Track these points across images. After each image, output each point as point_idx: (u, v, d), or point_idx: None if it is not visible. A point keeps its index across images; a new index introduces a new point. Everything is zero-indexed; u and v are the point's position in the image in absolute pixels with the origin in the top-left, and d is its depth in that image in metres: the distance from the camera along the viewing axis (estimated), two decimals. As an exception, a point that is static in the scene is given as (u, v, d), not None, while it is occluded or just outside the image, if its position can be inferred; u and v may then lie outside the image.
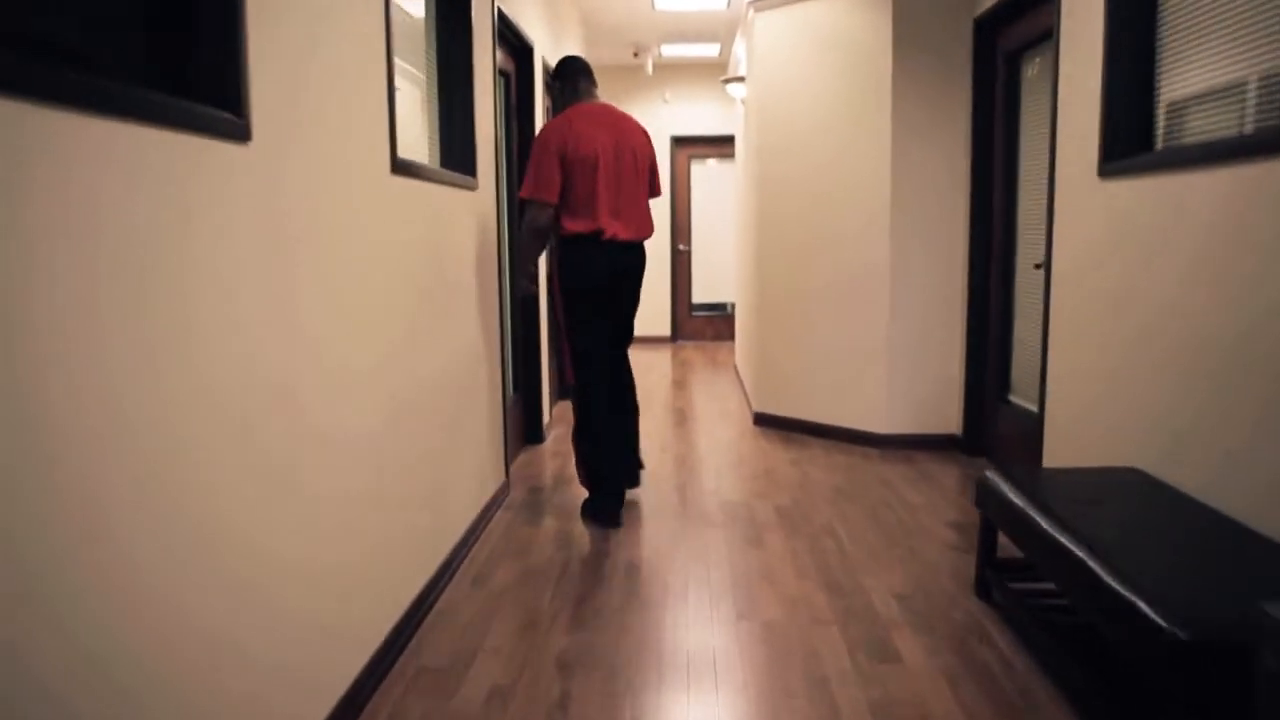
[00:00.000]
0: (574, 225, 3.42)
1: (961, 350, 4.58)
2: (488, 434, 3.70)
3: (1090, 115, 3.03)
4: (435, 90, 3.37)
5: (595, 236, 3.44)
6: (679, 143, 9.31)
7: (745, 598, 2.84)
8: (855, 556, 3.17)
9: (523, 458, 4.65)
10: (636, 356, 8.27)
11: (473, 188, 3.42)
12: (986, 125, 4.36)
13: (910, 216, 4.57)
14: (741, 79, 6.11)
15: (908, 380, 4.66)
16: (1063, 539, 2.09)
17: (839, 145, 4.79)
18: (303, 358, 1.88)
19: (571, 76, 3.59)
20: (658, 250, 9.32)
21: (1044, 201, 3.77)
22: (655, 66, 8.90)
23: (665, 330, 9.43)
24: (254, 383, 1.66)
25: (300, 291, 1.86)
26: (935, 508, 3.70)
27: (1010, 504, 2.45)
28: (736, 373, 7.31)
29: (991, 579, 2.68)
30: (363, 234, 2.25)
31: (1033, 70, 3.95)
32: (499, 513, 3.76)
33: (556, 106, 3.68)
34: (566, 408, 5.77)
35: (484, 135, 3.64)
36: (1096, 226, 3.00)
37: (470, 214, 3.41)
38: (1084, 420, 3.08)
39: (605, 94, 9.10)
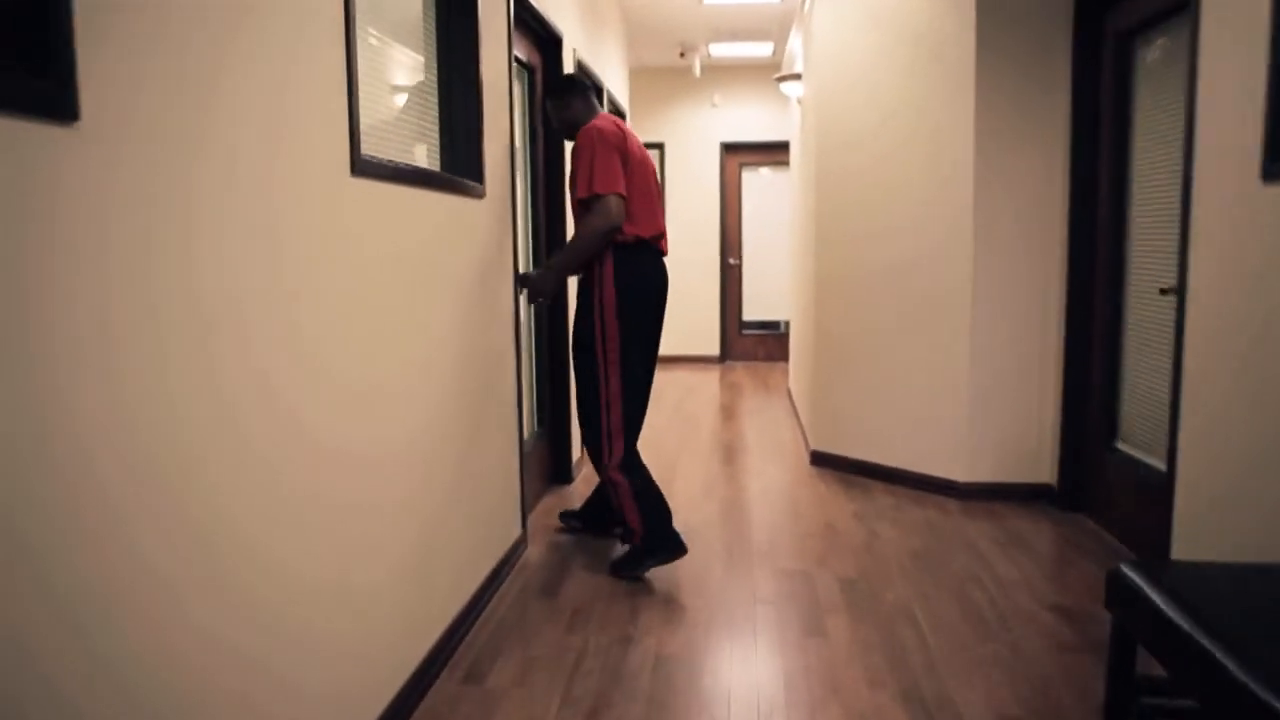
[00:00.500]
0: (635, 229, 3.13)
1: (1057, 386, 3.91)
2: (500, 479, 3.15)
3: (1248, 104, 2.38)
4: (435, 83, 2.84)
5: (655, 241, 3.21)
6: (729, 149, 8.72)
7: (804, 716, 2.23)
8: (941, 654, 2.54)
9: (547, 502, 4.09)
10: (682, 378, 7.68)
11: (479, 195, 2.89)
12: (1090, 120, 3.70)
13: (997, 228, 3.92)
14: (798, 76, 5.52)
15: (992, 419, 4.00)
16: (1273, 701, 1.46)
17: (911, 147, 4.17)
18: (195, 410, 1.34)
19: (583, 91, 3.33)
20: (706, 264, 8.73)
21: (1174, 212, 3.11)
22: (704, 68, 8.33)
23: (714, 349, 8.83)
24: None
25: (185, 320, 1.32)
26: (1034, 584, 3.05)
27: (1164, 619, 1.81)
28: (790, 399, 6.68)
29: (1130, 708, 2.04)
30: (304, 248, 1.71)
31: (1154, 52, 3.29)
32: (512, 574, 3.20)
33: (565, 120, 3.31)
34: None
35: (495, 135, 3.10)
36: (1257, 242, 2.34)
37: (476, 225, 2.87)
38: (1235, 488, 2.42)
39: (649, 97, 8.58)
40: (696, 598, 2.98)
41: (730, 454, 5.03)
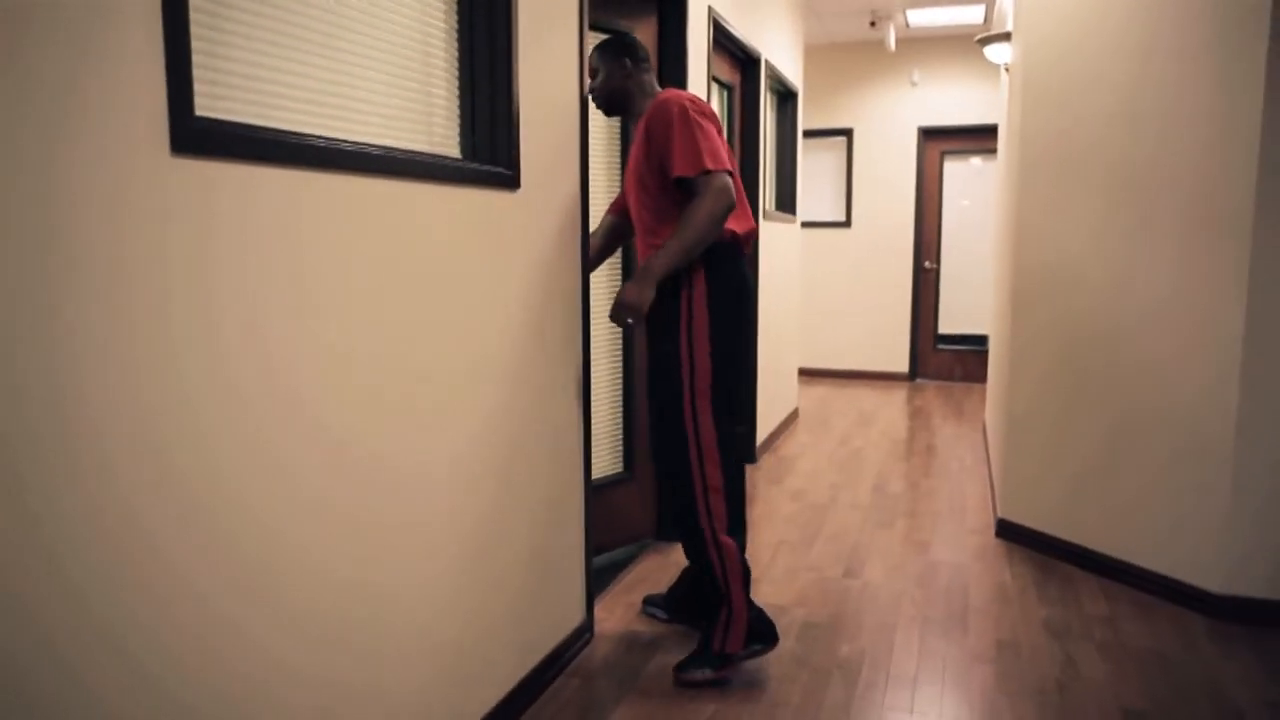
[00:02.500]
0: (732, 223, 2.46)
1: (1374, 464, 2.65)
2: (551, 545, 2.39)
3: None
4: (455, 33, 2.11)
5: (746, 240, 2.51)
6: (929, 135, 7.51)
7: None
8: None
9: (641, 568, 3.29)
10: (860, 399, 6.63)
11: (506, 185, 2.13)
12: None
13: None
14: (1006, 36, 4.38)
15: (1267, 505, 2.79)
16: None
17: (1155, 124, 3.00)
18: None
19: (647, 58, 2.66)
20: (896, 267, 7.60)
21: None
22: (899, 40, 7.18)
23: (901, 365, 7.67)
24: None
25: None
26: (1337, 803, 1.91)
27: None
28: (984, 435, 5.50)
29: None
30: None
31: None
32: (558, 681, 2.44)
33: (622, 88, 2.62)
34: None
35: (545, 106, 2.33)
36: None
37: (496, 230, 2.12)
38: None
39: (831, 76, 7.58)
40: (788, 759, 2.09)
41: (893, 511, 4.01)
